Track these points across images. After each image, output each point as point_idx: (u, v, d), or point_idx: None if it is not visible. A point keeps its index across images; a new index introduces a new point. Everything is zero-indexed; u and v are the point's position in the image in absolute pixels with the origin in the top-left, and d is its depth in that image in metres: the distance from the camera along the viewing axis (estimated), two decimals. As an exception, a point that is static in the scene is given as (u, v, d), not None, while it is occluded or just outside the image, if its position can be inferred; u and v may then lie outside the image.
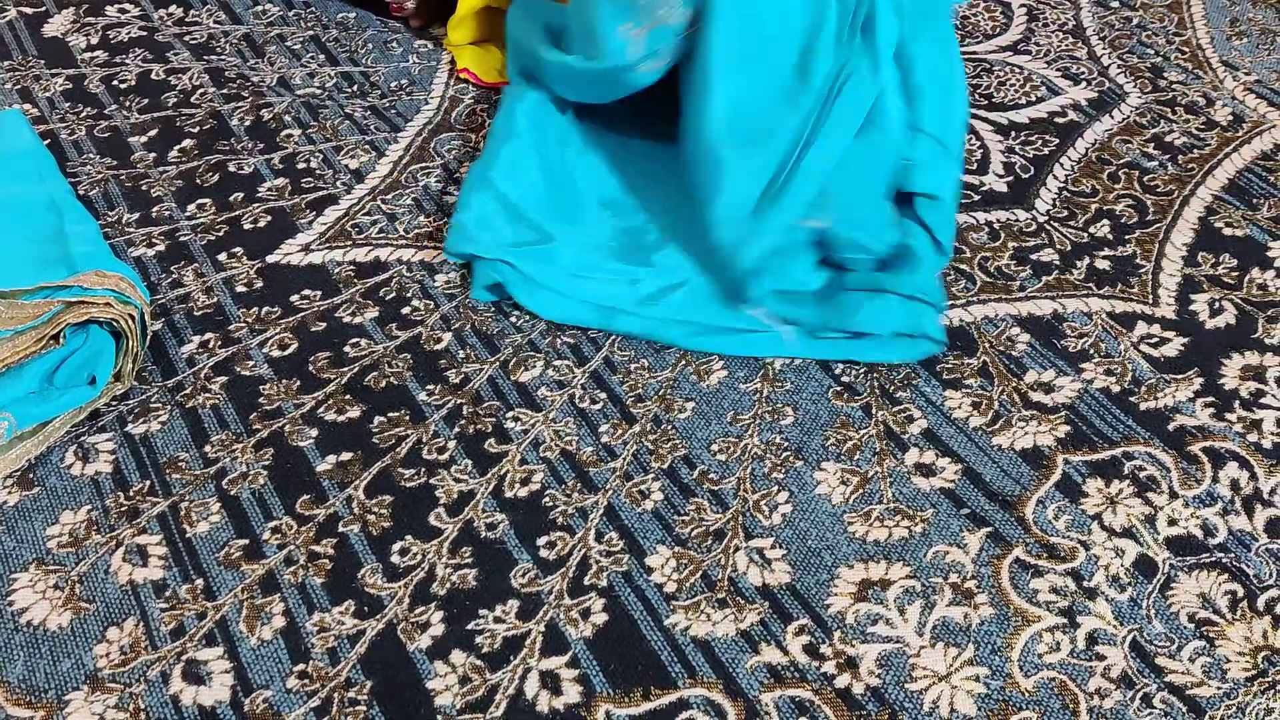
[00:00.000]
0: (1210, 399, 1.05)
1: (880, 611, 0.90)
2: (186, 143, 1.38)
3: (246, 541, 0.96)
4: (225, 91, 1.46)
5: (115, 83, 1.47)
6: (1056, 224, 1.24)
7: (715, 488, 1.00)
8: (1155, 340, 1.11)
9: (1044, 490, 0.98)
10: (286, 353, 1.12)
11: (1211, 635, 0.88)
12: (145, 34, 1.56)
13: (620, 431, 1.05)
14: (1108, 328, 1.12)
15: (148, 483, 1.01)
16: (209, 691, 0.87)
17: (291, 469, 1.02)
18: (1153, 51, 1.49)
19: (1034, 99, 1.42)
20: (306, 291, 1.19)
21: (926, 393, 1.07)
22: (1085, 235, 1.23)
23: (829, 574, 0.93)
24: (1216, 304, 1.15)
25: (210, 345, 1.13)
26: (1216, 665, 0.86)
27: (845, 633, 0.89)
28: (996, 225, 1.24)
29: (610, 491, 1.00)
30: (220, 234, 1.25)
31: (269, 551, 0.96)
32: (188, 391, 1.09)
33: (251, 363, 1.11)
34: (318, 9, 1.60)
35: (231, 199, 1.30)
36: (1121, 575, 0.92)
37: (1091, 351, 1.10)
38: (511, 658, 0.88)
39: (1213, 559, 0.93)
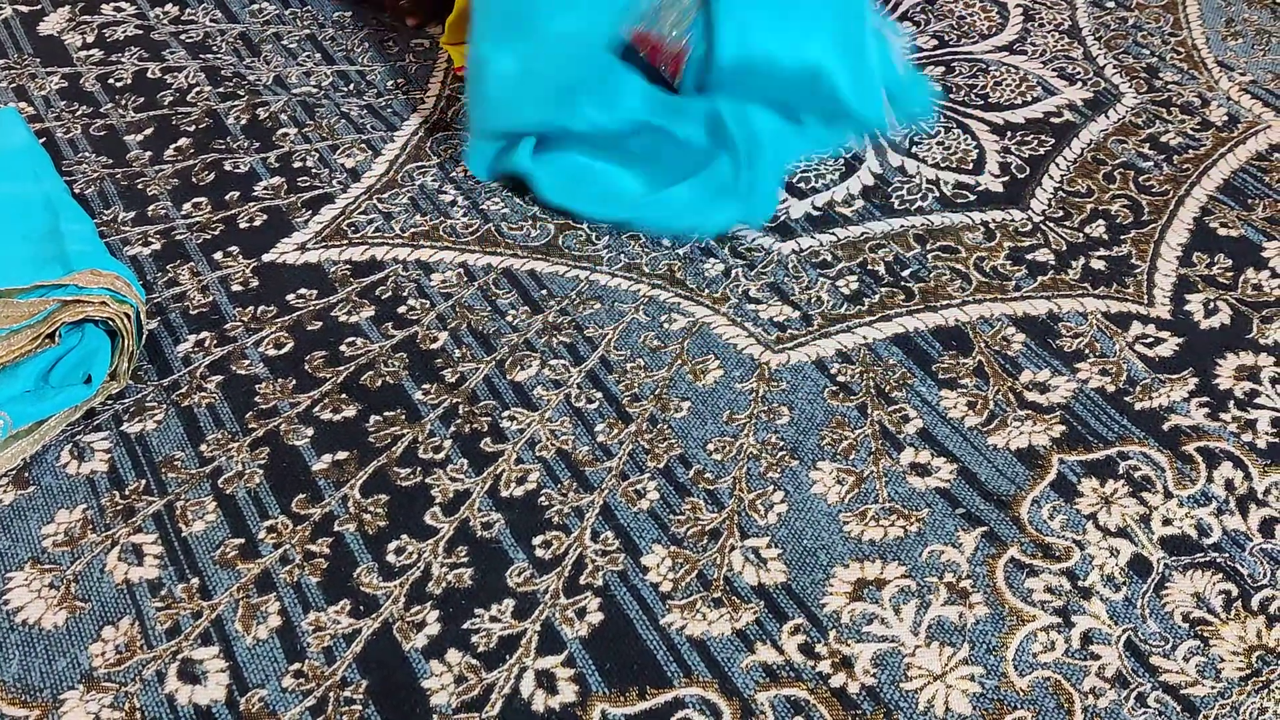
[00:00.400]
0: (1205, 399, 1.06)
1: (875, 611, 0.91)
2: (182, 141, 1.38)
3: (242, 540, 0.96)
4: (221, 90, 1.45)
5: (111, 81, 1.47)
6: (1052, 224, 1.25)
7: (711, 487, 1.00)
8: (1150, 340, 1.11)
9: (1039, 490, 0.99)
10: (282, 352, 1.12)
11: (1206, 635, 0.88)
12: (141, 32, 1.56)
13: (616, 431, 1.05)
14: (1103, 328, 1.13)
15: (143, 482, 1.01)
16: (204, 691, 0.87)
17: (287, 468, 1.02)
18: (1148, 52, 1.49)
19: (1030, 99, 1.42)
20: (302, 290, 1.19)
21: (922, 392, 1.07)
22: (1081, 235, 1.23)
23: (824, 573, 0.93)
24: (1211, 304, 1.15)
25: (206, 344, 1.13)
26: (1210, 665, 0.87)
27: (841, 632, 0.89)
28: (992, 225, 1.25)
29: (606, 491, 1.00)
30: (216, 233, 1.25)
31: (264, 550, 0.96)
32: (183, 390, 1.08)
33: (247, 362, 1.11)
34: (314, 7, 1.60)
35: (227, 198, 1.30)
36: (1116, 575, 0.92)
37: (1087, 351, 1.10)
38: (507, 657, 0.88)
39: (1207, 559, 0.93)
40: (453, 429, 1.05)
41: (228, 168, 1.34)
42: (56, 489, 1.00)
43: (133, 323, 1.07)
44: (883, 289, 1.17)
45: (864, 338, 1.13)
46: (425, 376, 1.10)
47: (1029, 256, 1.21)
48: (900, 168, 1.32)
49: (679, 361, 1.11)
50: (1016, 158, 1.34)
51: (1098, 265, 1.19)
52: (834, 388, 1.08)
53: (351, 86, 1.46)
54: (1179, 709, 0.84)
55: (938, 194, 1.29)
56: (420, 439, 1.04)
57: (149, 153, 1.36)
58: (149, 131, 1.39)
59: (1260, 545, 0.94)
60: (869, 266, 1.20)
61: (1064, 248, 1.22)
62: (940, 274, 1.19)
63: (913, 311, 1.15)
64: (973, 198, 1.28)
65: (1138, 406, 1.05)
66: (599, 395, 1.08)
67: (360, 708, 0.85)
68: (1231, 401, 1.05)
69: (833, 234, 1.24)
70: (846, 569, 0.93)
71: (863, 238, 1.24)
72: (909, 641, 0.89)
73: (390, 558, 0.95)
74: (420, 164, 1.34)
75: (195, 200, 1.29)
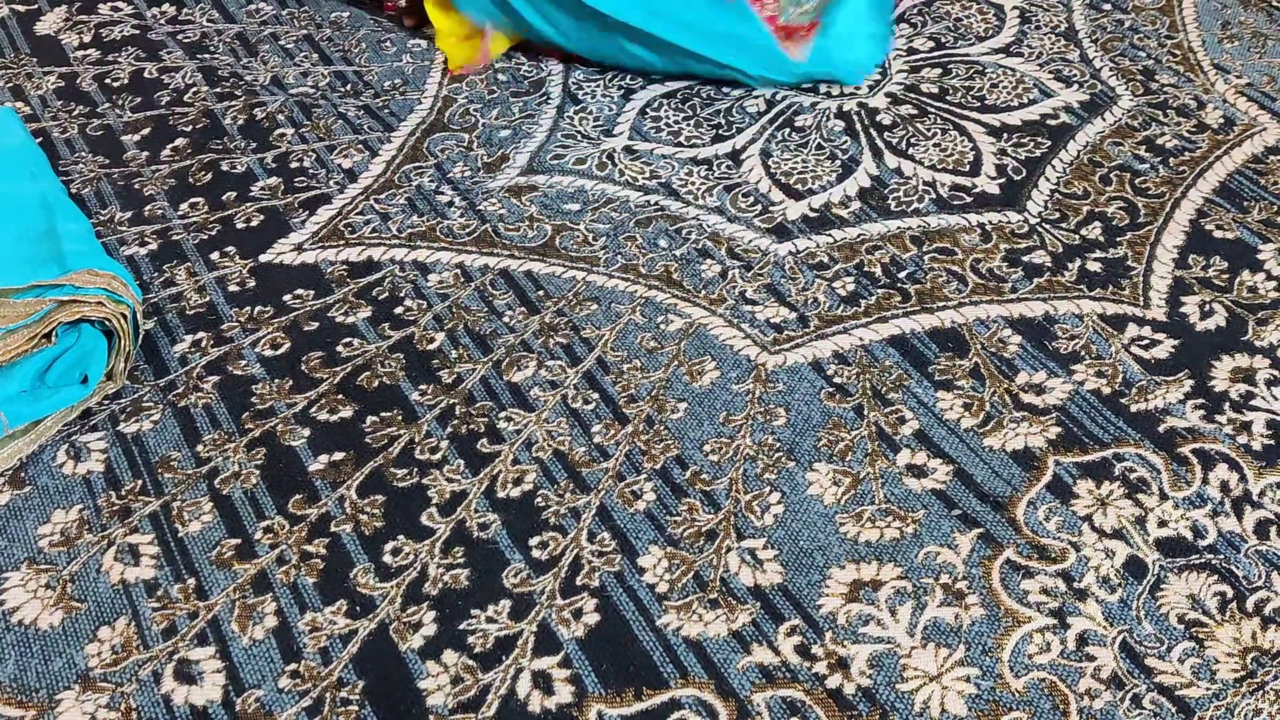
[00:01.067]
0: (1200, 401, 1.06)
1: (871, 612, 0.91)
2: (179, 141, 1.38)
3: (238, 541, 0.96)
4: (218, 90, 1.45)
5: (108, 81, 1.47)
6: (1048, 226, 1.25)
7: (707, 488, 1.00)
8: (1146, 342, 1.12)
9: (1035, 491, 0.99)
10: (279, 352, 1.12)
11: (1201, 636, 0.89)
12: (138, 32, 1.55)
13: (613, 432, 1.05)
14: (1099, 329, 1.13)
15: (139, 482, 1.01)
16: (201, 691, 0.87)
17: (284, 468, 1.02)
18: (1144, 54, 1.50)
19: (1026, 101, 1.42)
20: (299, 291, 1.19)
21: (918, 394, 1.07)
22: (1077, 237, 1.23)
23: (820, 575, 0.93)
24: (1207, 306, 1.15)
25: (202, 344, 1.13)
26: (1205, 666, 0.87)
27: (837, 633, 0.89)
28: (988, 227, 1.25)
29: (603, 492, 1.00)
30: (213, 233, 1.25)
31: (261, 551, 0.96)
32: (180, 391, 1.08)
33: (244, 362, 1.11)
34: (311, 8, 1.59)
35: (224, 198, 1.30)
36: (1112, 576, 0.93)
37: (1082, 353, 1.11)
38: (504, 658, 0.88)
39: (1202, 560, 0.94)
40: (449, 430, 1.05)
41: (225, 168, 1.34)
42: (53, 489, 1.00)
43: (129, 323, 1.07)
44: (879, 290, 1.18)
45: (860, 339, 1.13)
46: (422, 377, 1.10)
47: (1025, 258, 1.21)
48: (897, 169, 1.33)
49: (676, 362, 1.11)
50: (1013, 160, 1.34)
51: (1094, 267, 1.20)
52: (830, 389, 1.08)
53: (349, 87, 1.46)
54: (1174, 710, 0.84)
55: (934, 196, 1.29)
56: (417, 440, 1.04)
57: (146, 153, 1.36)
58: (146, 131, 1.39)
59: (1255, 547, 0.94)
60: (865, 268, 1.20)
61: (1060, 250, 1.22)
62: (937, 276, 1.19)
63: (909, 313, 1.15)
64: (969, 200, 1.28)
65: (1133, 408, 1.05)
66: (596, 396, 1.08)
67: (356, 708, 0.85)
68: (1227, 404, 1.06)
69: (829, 235, 1.24)
70: (843, 570, 0.94)
71: (859, 239, 1.24)
72: (905, 643, 0.89)
73: (387, 558, 0.95)
74: (417, 164, 1.34)
75: (192, 200, 1.29)
